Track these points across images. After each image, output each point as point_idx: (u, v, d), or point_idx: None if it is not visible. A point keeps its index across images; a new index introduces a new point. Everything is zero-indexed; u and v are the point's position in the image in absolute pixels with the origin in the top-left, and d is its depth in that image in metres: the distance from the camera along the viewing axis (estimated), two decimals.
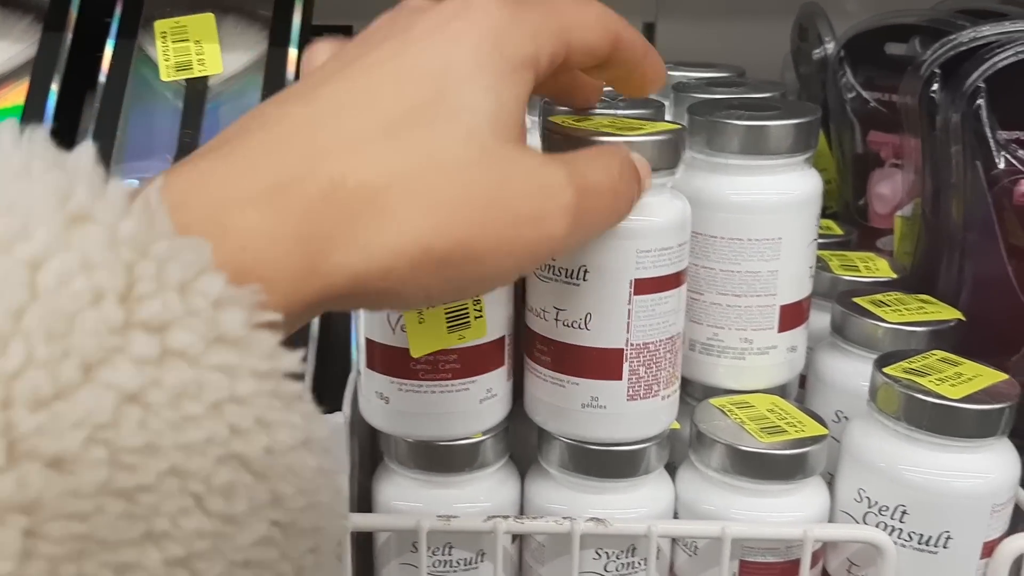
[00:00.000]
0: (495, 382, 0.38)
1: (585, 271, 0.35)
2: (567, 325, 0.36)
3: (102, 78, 0.52)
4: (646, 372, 0.37)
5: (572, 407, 0.37)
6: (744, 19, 0.81)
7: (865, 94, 0.60)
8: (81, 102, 0.54)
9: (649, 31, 0.95)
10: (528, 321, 0.38)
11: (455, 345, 0.37)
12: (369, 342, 0.37)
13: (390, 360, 0.37)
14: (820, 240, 0.55)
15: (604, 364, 0.36)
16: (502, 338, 0.38)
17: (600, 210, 0.28)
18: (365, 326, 0.37)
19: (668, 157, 0.35)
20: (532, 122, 0.48)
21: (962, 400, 0.36)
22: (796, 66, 0.71)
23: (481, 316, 0.37)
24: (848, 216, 0.62)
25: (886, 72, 0.58)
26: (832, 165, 0.65)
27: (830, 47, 0.64)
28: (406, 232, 0.23)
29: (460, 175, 0.24)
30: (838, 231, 0.57)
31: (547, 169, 0.26)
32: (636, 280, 0.36)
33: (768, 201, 0.39)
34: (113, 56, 0.53)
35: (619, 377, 0.37)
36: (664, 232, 0.35)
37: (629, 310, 0.36)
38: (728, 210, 0.40)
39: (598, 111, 0.41)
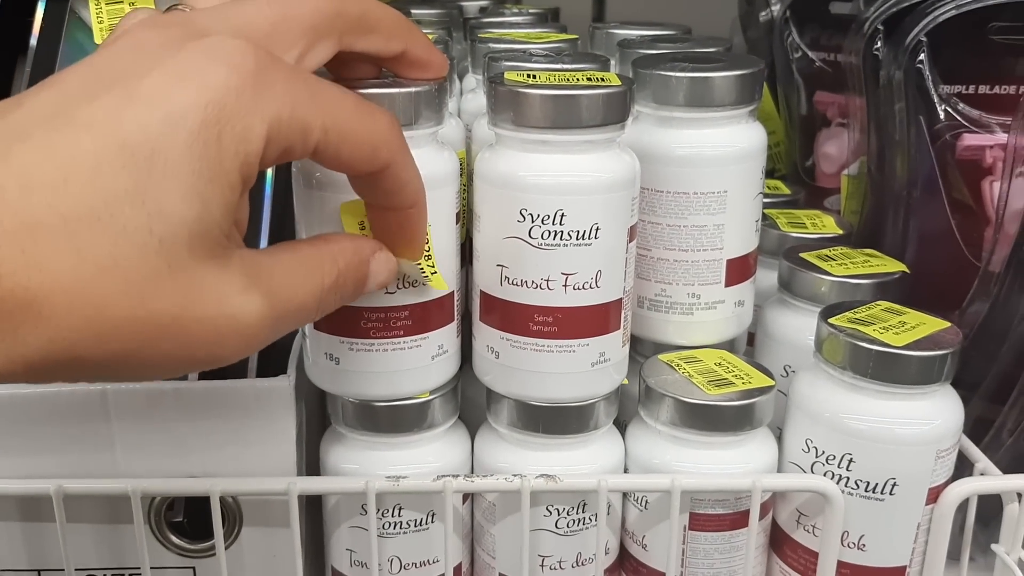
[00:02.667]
0: (446, 338, 0.38)
1: (597, 228, 0.35)
2: (577, 288, 0.36)
3: (33, 42, 0.50)
4: (627, 317, 0.38)
5: (581, 368, 0.37)
6: None
7: (811, 54, 0.60)
8: (13, 67, 0.52)
9: (599, 1, 0.94)
10: (503, 295, 0.37)
11: (407, 301, 0.36)
12: None
13: (340, 319, 0.36)
14: (768, 200, 0.55)
15: (612, 318, 0.37)
16: (452, 294, 0.37)
17: (301, 321, 0.28)
18: None
19: (618, 111, 0.35)
20: (477, 81, 0.47)
21: (905, 347, 0.36)
22: (744, 29, 0.71)
23: (436, 271, 0.36)
24: (797, 177, 0.62)
25: (831, 31, 0.58)
26: (781, 127, 0.65)
27: (776, 9, 0.64)
28: (57, 341, 0.21)
29: (139, 289, 0.22)
30: (786, 191, 0.57)
31: (240, 299, 0.24)
32: (630, 228, 0.37)
33: (713, 154, 0.39)
34: (44, 19, 0.51)
35: (619, 327, 0.37)
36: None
37: (627, 259, 0.37)
38: (673, 164, 0.39)
39: (545, 66, 0.40)
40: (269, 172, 0.44)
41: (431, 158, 0.35)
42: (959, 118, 0.48)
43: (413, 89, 0.34)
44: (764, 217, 0.50)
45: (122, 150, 0.22)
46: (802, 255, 0.45)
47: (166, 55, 0.24)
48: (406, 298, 0.36)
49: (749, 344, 0.49)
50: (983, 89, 0.48)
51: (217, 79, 0.23)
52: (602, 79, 0.35)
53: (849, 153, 0.56)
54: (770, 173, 0.65)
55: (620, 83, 0.35)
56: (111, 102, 0.23)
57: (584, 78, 0.36)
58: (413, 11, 0.60)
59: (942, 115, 0.48)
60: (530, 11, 0.61)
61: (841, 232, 0.49)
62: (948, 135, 0.48)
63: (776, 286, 0.46)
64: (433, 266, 0.36)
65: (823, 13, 0.59)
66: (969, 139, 0.47)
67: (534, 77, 0.35)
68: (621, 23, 0.53)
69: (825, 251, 0.46)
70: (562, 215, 0.35)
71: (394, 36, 0.31)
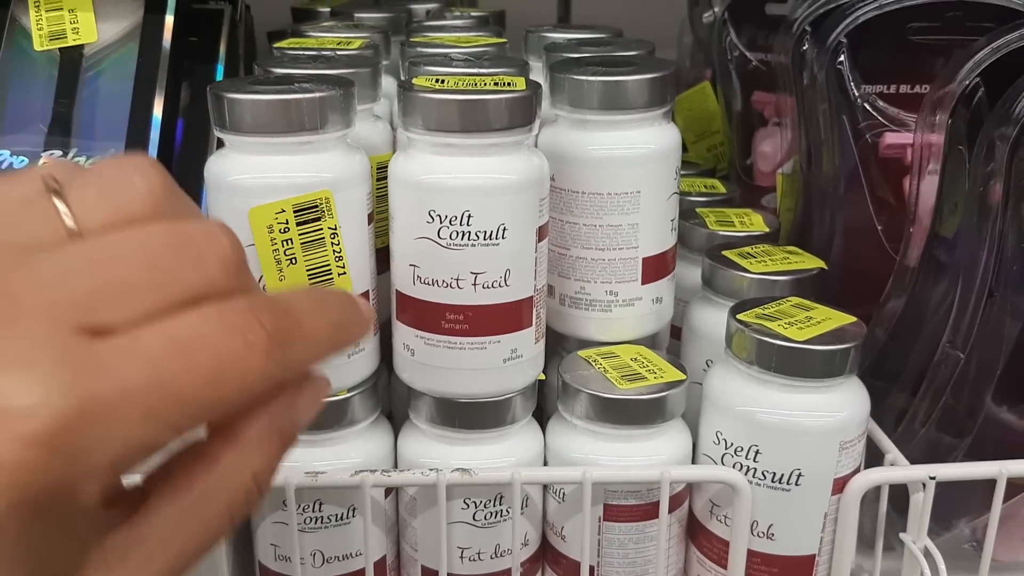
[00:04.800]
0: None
1: (504, 229, 0.36)
2: (486, 287, 0.37)
3: None
4: (540, 314, 0.39)
5: (494, 364, 0.38)
6: None
7: (748, 54, 0.61)
8: None
9: (564, 1, 0.95)
10: (416, 293, 0.37)
11: None
12: None
13: None
14: (704, 199, 0.56)
15: (524, 315, 0.38)
16: (366, 293, 0.38)
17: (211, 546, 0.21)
18: None
19: (523, 114, 0.36)
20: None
21: (808, 342, 0.37)
22: (692, 29, 0.72)
23: (345, 273, 0.37)
24: (736, 176, 0.63)
25: (766, 32, 0.59)
26: (724, 127, 0.66)
27: (718, 10, 0.65)
28: None
29: None
30: (722, 190, 0.58)
31: None
32: (539, 228, 0.37)
33: (626, 155, 0.40)
34: None
35: (531, 324, 0.38)
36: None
37: (536, 258, 0.38)
38: (588, 165, 0.40)
39: (459, 71, 0.41)
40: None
41: (339, 161, 0.36)
42: (880, 117, 0.49)
43: (318, 94, 0.35)
44: (693, 215, 0.51)
45: None
46: (724, 253, 0.46)
47: None
48: None
49: (676, 339, 0.50)
50: (903, 88, 0.49)
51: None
52: (509, 83, 0.36)
53: (784, 152, 0.57)
54: (712, 172, 0.66)
55: (526, 88, 0.36)
56: None
57: (492, 83, 0.36)
58: (358, 14, 0.61)
59: (863, 114, 0.49)
60: (472, 14, 0.62)
61: (767, 230, 0.50)
62: (869, 134, 0.49)
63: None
64: (343, 267, 0.36)
65: (759, 14, 0.60)
66: (890, 138, 0.48)
67: (442, 82, 0.36)
68: (555, 26, 0.54)
69: (747, 248, 0.47)
70: (469, 216, 0.36)
71: None
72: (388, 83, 0.51)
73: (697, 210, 0.52)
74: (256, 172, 0.35)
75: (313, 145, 0.36)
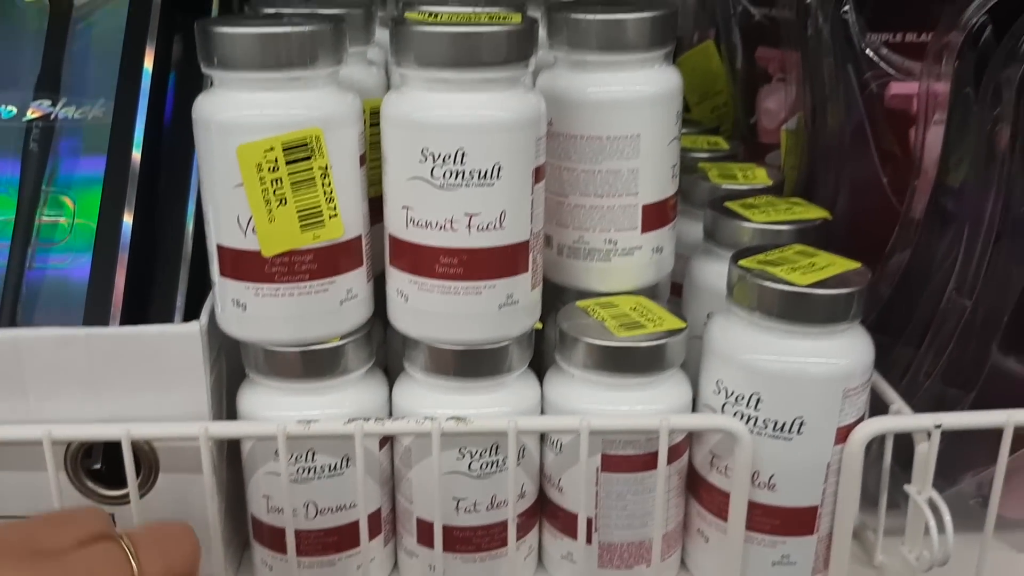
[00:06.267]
0: (355, 283, 0.38)
1: (499, 168, 0.35)
2: (481, 229, 0.36)
3: None
4: (536, 260, 0.38)
5: (489, 310, 0.37)
6: None
7: (751, 9, 0.60)
8: None
9: None
10: (409, 237, 0.36)
11: (310, 245, 0.36)
12: (220, 249, 0.37)
13: (243, 265, 0.36)
14: (706, 155, 0.55)
15: (519, 259, 0.37)
16: (359, 237, 0.37)
17: None
18: (215, 232, 0.37)
19: (519, 49, 0.35)
20: None
21: (810, 286, 0.36)
22: None
23: (336, 215, 0.36)
24: (740, 136, 0.62)
25: None
26: (727, 86, 0.65)
27: None
28: None
29: None
30: (725, 146, 0.57)
31: None
32: (536, 169, 0.36)
33: (625, 97, 0.39)
34: None
35: (527, 269, 0.37)
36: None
37: (532, 200, 0.36)
38: (587, 108, 0.39)
39: (453, 8, 0.40)
40: None
41: (330, 98, 0.35)
42: (886, 67, 0.48)
43: (308, 28, 0.34)
44: (695, 169, 0.50)
45: None
46: (727, 204, 0.45)
47: None
48: None
49: (677, 295, 0.49)
50: (910, 37, 0.48)
51: None
52: (505, 17, 0.35)
53: (788, 108, 0.56)
54: (716, 131, 0.65)
55: (522, 22, 0.35)
56: None
57: (487, 17, 0.35)
58: None
59: (869, 64, 0.48)
60: None
61: (771, 183, 0.49)
62: (875, 84, 0.48)
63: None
64: (334, 210, 0.36)
65: None
66: (896, 87, 0.47)
67: (435, 16, 0.35)
68: None
69: (750, 200, 0.46)
70: (463, 154, 0.35)
71: None
72: (385, 35, 0.50)
73: (700, 164, 0.51)
74: (244, 109, 0.34)
75: (303, 82, 0.35)
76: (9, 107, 0.48)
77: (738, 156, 0.56)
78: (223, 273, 0.37)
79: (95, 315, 0.40)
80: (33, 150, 0.46)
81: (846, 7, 0.48)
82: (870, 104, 0.48)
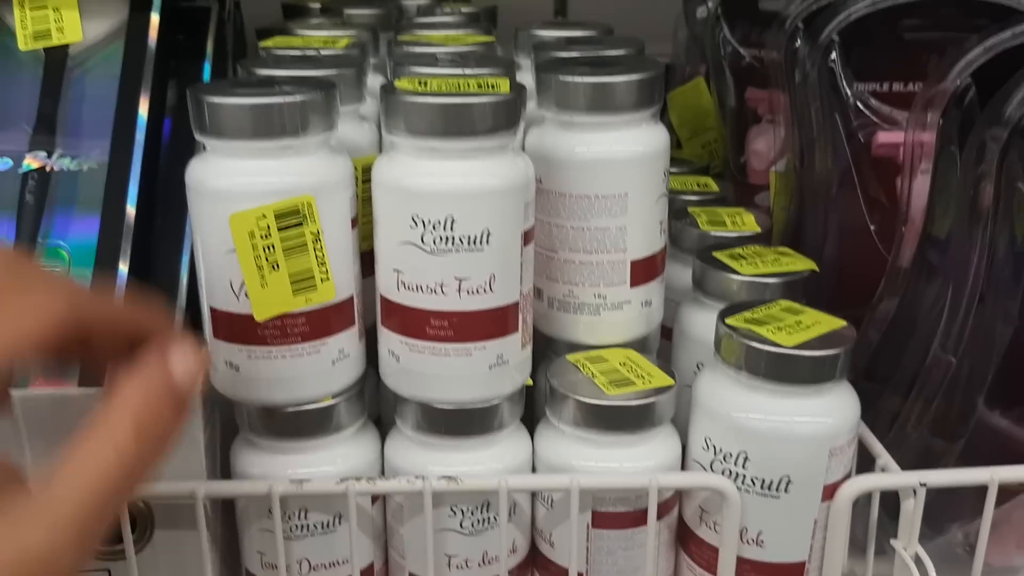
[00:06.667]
0: (347, 343, 0.38)
1: (489, 234, 0.35)
2: (471, 292, 0.36)
3: None
4: (526, 319, 0.39)
5: (479, 371, 0.37)
6: None
7: (741, 50, 0.60)
8: None
9: None
10: (400, 299, 0.37)
11: (302, 308, 0.37)
12: (213, 311, 0.37)
13: (236, 327, 0.37)
14: (696, 198, 0.56)
15: (509, 320, 0.37)
16: (350, 298, 0.38)
17: (119, 494, 0.25)
18: (207, 295, 0.37)
19: (507, 118, 0.35)
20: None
21: (796, 347, 0.37)
22: (687, 24, 0.72)
23: (328, 279, 0.37)
24: (730, 174, 0.63)
25: (760, 28, 0.59)
26: (717, 124, 0.66)
27: (712, 5, 0.64)
28: None
29: None
30: (715, 188, 0.57)
31: (11, 537, 0.23)
32: (525, 232, 0.37)
33: (613, 157, 0.40)
34: None
35: (516, 329, 0.38)
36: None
37: (522, 263, 0.37)
38: (575, 167, 0.40)
39: (444, 72, 0.41)
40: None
41: (321, 165, 0.36)
42: (873, 116, 0.48)
43: (300, 98, 0.34)
44: (686, 215, 0.51)
45: None
46: (715, 254, 0.45)
47: None
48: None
49: (667, 339, 0.49)
50: (896, 86, 0.48)
51: None
52: (493, 85, 0.36)
53: (777, 149, 0.57)
54: (706, 169, 0.65)
55: (510, 90, 0.35)
56: None
57: (476, 85, 0.36)
58: (347, 10, 0.60)
59: (856, 113, 0.48)
60: (463, 11, 0.61)
61: (759, 230, 0.50)
62: (862, 133, 0.48)
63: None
64: (326, 273, 0.36)
65: (753, 10, 0.60)
66: (883, 137, 0.48)
67: (425, 84, 0.36)
68: (546, 23, 0.53)
69: (738, 250, 0.46)
70: (452, 220, 0.35)
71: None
72: (376, 82, 0.50)
73: (689, 209, 0.52)
74: (237, 177, 0.35)
75: (295, 149, 0.35)
76: (5, 158, 0.48)
77: (728, 198, 0.57)
78: (216, 335, 0.37)
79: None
80: (29, 201, 0.47)
81: (833, 56, 0.48)
82: (857, 151, 0.49)
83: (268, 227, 0.35)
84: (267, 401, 0.38)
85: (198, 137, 0.36)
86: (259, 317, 0.36)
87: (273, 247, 0.35)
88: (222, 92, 0.35)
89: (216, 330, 0.37)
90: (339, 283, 0.37)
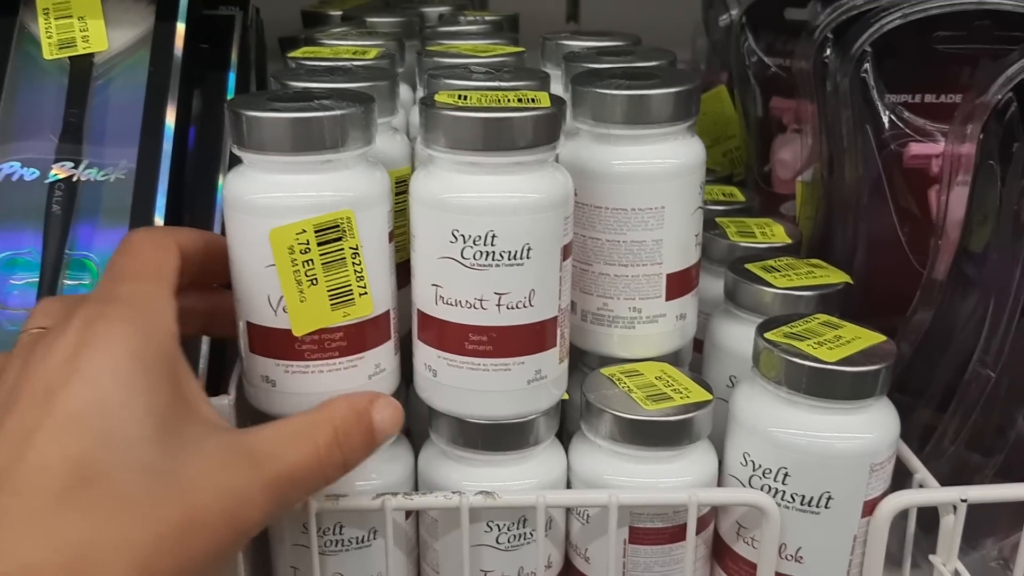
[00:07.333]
0: (383, 357, 0.38)
1: (529, 248, 0.35)
2: (511, 307, 0.36)
3: None
4: (564, 334, 0.38)
5: (518, 386, 0.37)
6: None
7: (766, 60, 0.60)
8: None
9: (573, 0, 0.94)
10: (438, 314, 0.37)
11: (340, 323, 0.36)
12: (250, 326, 0.37)
13: (273, 342, 0.36)
14: (722, 207, 0.55)
15: (548, 335, 0.37)
16: (387, 312, 0.38)
17: (309, 485, 0.31)
18: (243, 310, 0.37)
19: (548, 132, 0.35)
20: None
21: (838, 363, 0.37)
22: (707, 32, 0.72)
23: (366, 293, 0.36)
24: (754, 182, 0.63)
25: (785, 37, 0.58)
26: (740, 132, 0.66)
27: (735, 13, 0.64)
28: None
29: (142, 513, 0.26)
30: (741, 198, 0.57)
31: (227, 476, 0.28)
32: (564, 247, 0.37)
33: (649, 170, 0.39)
34: None
35: (555, 344, 0.38)
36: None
37: (561, 277, 0.37)
38: (612, 180, 0.40)
39: (480, 84, 0.41)
40: None
41: (361, 179, 0.35)
42: (905, 127, 0.48)
43: (339, 112, 0.34)
44: (714, 226, 0.51)
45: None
46: (747, 266, 0.45)
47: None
48: None
49: (698, 351, 0.49)
50: (929, 98, 0.48)
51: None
52: (533, 99, 0.36)
53: (803, 159, 0.56)
54: (729, 178, 0.65)
55: (550, 104, 0.35)
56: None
57: (515, 99, 0.36)
58: (370, 19, 0.60)
59: (888, 124, 0.48)
60: (487, 18, 0.61)
61: (790, 241, 0.50)
62: (894, 144, 0.48)
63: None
64: (364, 287, 0.36)
65: (778, 19, 0.59)
66: (915, 148, 0.47)
67: (465, 99, 0.36)
68: (573, 33, 0.53)
69: (770, 262, 0.46)
70: (493, 235, 0.35)
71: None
72: (403, 91, 0.50)
73: (717, 220, 0.52)
74: (276, 191, 0.35)
75: (334, 163, 0.35)
76: (32, 168, 0.48)
77: (753, 208, 0.56)
78: (253, 349, 0.37)
79: None
80: (56, 212, 0.46)
81: (866, 67, 0.48)
82: (888, 162, 0.48)
83: (308, 242, 0.35)
84: None
85: (236, 151, 0.36)
86: (298, 332, 0.36)
87: (312, 261, 0.35)
88: (260, 106, 0.34)
89: (252, 344, 0.37)
90: (376, 297, 0.37)
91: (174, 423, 0.28)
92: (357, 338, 0.37)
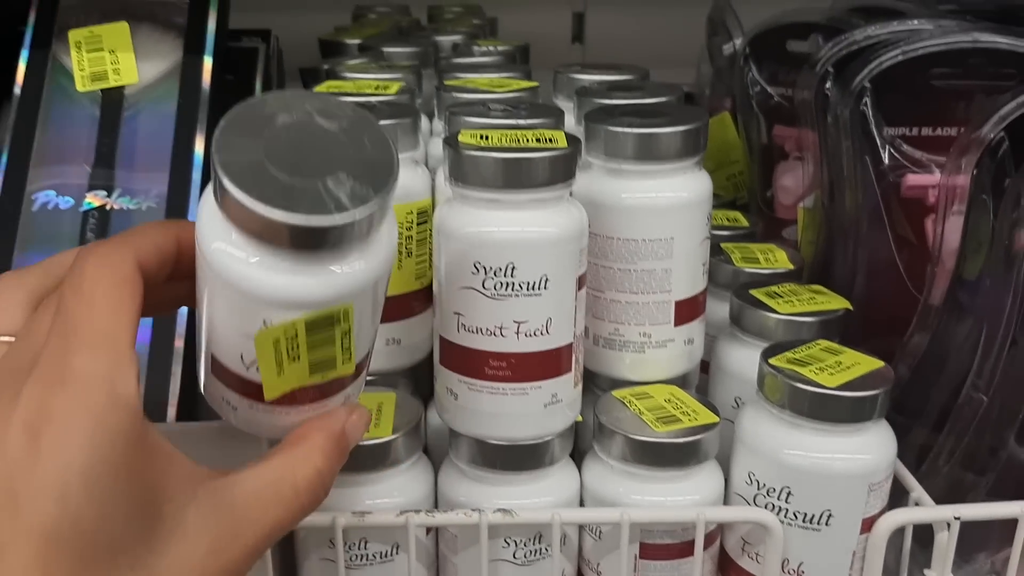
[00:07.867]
0: (352, 391, 0.34)
1: (546, 279, 0.37)
2: (529, 335, 0.38)
3: (17, 90, 0.52)
4: (578, 359, 0.40)
5: (535, 409, 0.39)
6: (669, 9, 0.84)
7: (769, 89, 0.62)
8: None
9: (579, 22, 0.97)
10: (460, 340, 0.38)
11: (315, 383, 0.32)
12: (215, 361, 0.32)
13: (241, 385, 0.32)
14: (726, 232, 0.57)
15: (564, 361, 0.39)
16: (365, 361, 0.34)
17: (286, 531, 0.31)
18: (210, 342, 0.32)
19: (564, 170, 0.37)
20: (442, 127, 0.50)
21: (839, 388, 0.39)
22: (711, 59, 0.74)
23: (349, 360, 0.32)
24: (757, 207, 0.65)
25: (788, 68, 0.61)
26: (743, 157, 0.68)
27: (739, 42, 0.66)
28: None
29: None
30: (744, 223, 0.59)
31: (219, 554, 0.28)
32: (579, 277, 0.39)
33: (660, 203, 0.41)
34: (28, 67, 0.53)
35: (570, 369, 0.40)
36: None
37: (576, 306, 0.39)
38: (623, 212, 0.42)
39: (500, 121, 0.43)
40: None
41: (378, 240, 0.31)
42: (903, 159, 0.50)
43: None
44: (719, 251, 0.53)
45: None
46: (752, 292, 0.47)
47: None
48: None
49: (704, 372, 0.51)
50: (926, 131, 0.50)
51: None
52: (551, 139, 0.38)
53: (805, 186, 0.59)
54: (733, 202, 0.67)
55: (567, 145, 0.37)
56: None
57: (534, 138, 0.38)
58: (386, 49, 0.62)
59: (886, 156, 0.50)
60: (499, 49, 0.63)
61: (792, 267, 0.52)
62: (892, 175, 0.50)
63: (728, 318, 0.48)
64: (349, 357, 0.32)
65: (781, 50, 0.62)
66: (912, 179, 0.50)
67: (486, 139, 0.38)
68: (583, 66, 0.55)
69: (774, 287, 0.48)
70: (513, 268, 0.37)
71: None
72: (423, 123, 0.52)
73: (722, 245, 0.54)
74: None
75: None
76: (66, 197, 0.50)
77: (756, 233, 0.58)
78: (216, 375, 0.33)
79: (148, 407, 0.40)
80: (91, 240, 0.49)
81: (865, 100, 0.50)
82: (886, 191, 0.51)
83: (296, 334, 0.30)
84: None
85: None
86: (269, 397, 0.31)
87: (298, 346, 0.30)
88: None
89: (216, 371, 0.32)
90: (360, 357, 0.33)
91: (152, 513, 0.27)
92: (328, 388, 0.33)
